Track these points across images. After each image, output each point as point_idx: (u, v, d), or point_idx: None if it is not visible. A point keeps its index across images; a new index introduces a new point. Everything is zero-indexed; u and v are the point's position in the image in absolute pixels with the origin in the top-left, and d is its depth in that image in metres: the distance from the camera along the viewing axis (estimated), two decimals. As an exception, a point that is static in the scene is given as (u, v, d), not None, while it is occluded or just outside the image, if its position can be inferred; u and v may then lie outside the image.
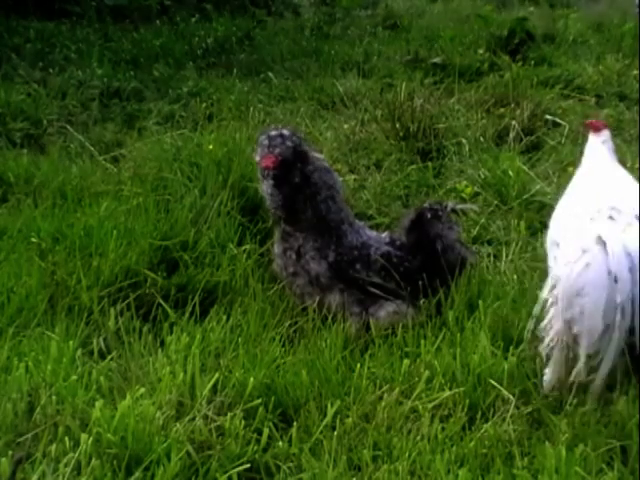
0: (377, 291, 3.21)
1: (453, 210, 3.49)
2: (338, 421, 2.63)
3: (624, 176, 3.25)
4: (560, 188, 3.68)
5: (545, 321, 2.66)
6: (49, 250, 3.57)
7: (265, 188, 3.26)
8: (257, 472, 2.48)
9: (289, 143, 3.23)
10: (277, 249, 3.34)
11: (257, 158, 3.27)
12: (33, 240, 3.63)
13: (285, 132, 3.28)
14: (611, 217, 2.85)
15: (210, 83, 6.91)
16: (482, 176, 4.75)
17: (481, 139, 5.33)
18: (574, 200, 3.15)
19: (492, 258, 3.76)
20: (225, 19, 9.55)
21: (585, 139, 3.42)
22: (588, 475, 2.38)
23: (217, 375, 2.74)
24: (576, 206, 3.07)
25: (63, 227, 3.75)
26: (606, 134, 3.40)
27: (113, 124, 5.85)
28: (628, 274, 2.57)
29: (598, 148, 3.37)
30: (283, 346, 3.04)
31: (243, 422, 2.58)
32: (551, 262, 3.00)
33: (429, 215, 3.40)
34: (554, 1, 11.94)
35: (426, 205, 3.46)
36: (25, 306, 3.21)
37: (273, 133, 3.26)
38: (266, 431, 2.56)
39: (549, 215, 3.24)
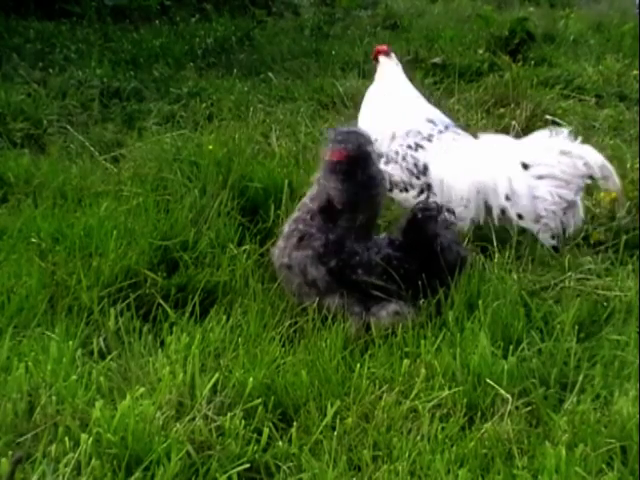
0: (379, 293, 3.20)
1: (450, 209, 3.49)
2: (338, 421, 2.63)
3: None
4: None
5: None
6: (49, 250, 3.58)
7: (334, 184, 3.21)
8: (257, 472, 2.48)
9: (361, 140, 3.24)
10: (287, 228, 3.30)
11: (327, 153, 3.24)
12: (33, 240, 3.63)
13: (355, 129, 3.31)
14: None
15: (210, 83, 6.91)
16: (482, 176, 4.73)
17: (481, 139, 5.32)
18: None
19: (492, 258, 3.75)
20: (225, 19, 9.54)
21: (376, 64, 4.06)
22: (588, 475, 2.38)
23: (217, 375, 2.74)
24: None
25: (63, 227, 3.75)
26: (394, 57, 4.13)
27: (113, 124, 5.84)
28: None
29: (393, 69, 4.04)
30: (283, 346, 3.04)
31: (243, 422, 2.58)
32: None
33: (426, 215, 3.39)
34: (554, 1, 11.95)
35: (422, 205, 3.46)
36: (25, 306, 3.21)
37: (344, 129, 3.28)
38: (266, 431, 2.56)
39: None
